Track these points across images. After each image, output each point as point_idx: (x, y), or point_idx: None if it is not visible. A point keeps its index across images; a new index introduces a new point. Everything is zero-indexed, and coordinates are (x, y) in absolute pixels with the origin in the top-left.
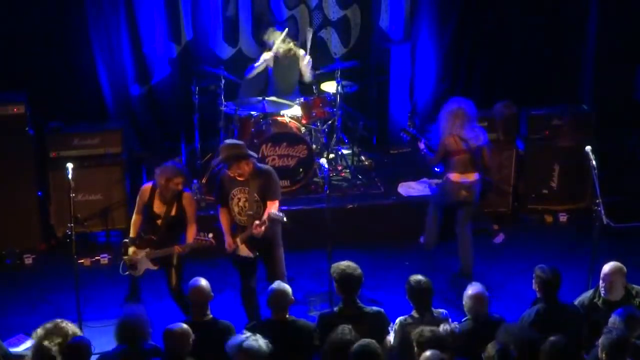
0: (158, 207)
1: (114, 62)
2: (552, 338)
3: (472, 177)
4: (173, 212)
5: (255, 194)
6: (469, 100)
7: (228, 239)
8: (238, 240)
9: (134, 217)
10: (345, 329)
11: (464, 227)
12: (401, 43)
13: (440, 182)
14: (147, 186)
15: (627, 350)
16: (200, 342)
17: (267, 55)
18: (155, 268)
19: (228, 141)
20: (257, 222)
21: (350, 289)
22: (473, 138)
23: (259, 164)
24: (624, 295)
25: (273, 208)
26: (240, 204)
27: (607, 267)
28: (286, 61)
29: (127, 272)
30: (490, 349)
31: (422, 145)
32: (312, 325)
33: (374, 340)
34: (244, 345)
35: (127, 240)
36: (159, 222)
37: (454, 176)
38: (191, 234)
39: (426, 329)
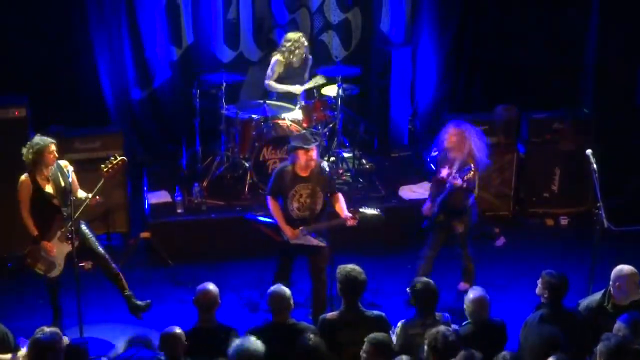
0: (48, 187)
1: (115, 65)
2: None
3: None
4: (63, 184)
5: (319, 189)
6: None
7: (288, 229)
8: (303, 229)
9: (25, 216)
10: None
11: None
12: (402, 46)
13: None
14: (25, 177)
15: (626, 358)
16: (203, 349)
17: (296, 90)
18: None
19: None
20: (349, 214)
21: (353, 292)
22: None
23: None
24: (635, 300)
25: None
26: (302, 199)
27: (625, 269)
28: (299, 69)
29: (52, 276)
30: None
31: (459, 182)
32: (313, 329)
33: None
34: (239, 348)
35: (31, 247)
36: (56, 201)
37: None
38: (82, 194)
39: (439, 335)
